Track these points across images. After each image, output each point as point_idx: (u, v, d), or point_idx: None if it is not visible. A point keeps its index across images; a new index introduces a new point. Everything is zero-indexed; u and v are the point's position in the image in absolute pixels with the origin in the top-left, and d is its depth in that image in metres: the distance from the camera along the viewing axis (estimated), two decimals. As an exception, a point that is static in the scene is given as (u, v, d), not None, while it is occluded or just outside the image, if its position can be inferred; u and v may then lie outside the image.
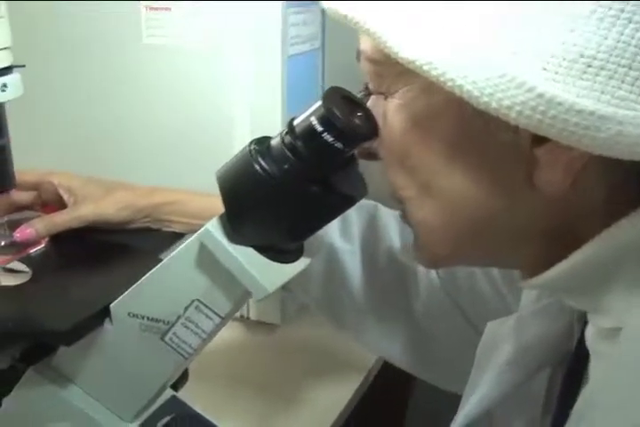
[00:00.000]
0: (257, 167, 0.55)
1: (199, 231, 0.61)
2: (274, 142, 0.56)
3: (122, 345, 0.69)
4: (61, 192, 0.82)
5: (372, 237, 0.82)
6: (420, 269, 0.81)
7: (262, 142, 0.57)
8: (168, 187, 0.84)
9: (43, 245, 0.81)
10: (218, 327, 0.65)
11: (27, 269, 0.76)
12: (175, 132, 0.98)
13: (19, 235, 0.78)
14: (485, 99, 0.42)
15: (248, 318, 1.09)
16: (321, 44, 0.97)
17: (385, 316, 0.82)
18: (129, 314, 0.67)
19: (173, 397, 0.76)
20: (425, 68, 0.43)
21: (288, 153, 0.55)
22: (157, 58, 0.97)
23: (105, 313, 0.68)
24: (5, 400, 0.74)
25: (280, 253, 0.61)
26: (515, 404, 0.64)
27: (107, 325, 0.68)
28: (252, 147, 0.56)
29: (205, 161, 0.97)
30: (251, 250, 0.59)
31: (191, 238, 0.62)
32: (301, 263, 0.63)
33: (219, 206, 0.81)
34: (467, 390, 0.67)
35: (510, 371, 0.62)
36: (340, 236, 0.80)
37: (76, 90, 1.03)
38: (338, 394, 0.97)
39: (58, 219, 0.80)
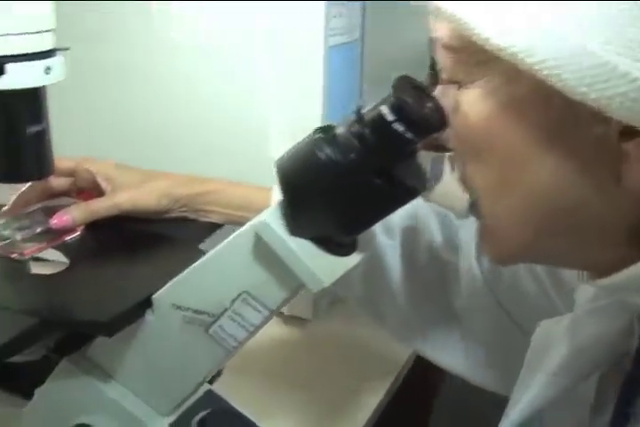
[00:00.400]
0: (322, 155, 0.53)
1: (252, 222, 0.59)
2: (340, 131, 0.54)
3: (163, 337, 0.67)
4: (99, 179, 0.81)
5: (412, 233, 0.81)
6: (462, 265, 0.80)
7: (327, 131, 0.55)
8: (206, 177, 0.82)
9: (78, 233, 0.79)
10: (265, 321, 0.64)
11: (63, 258, 0.74)
12: (213, 122, 0.96)
13: (55, 222, 0.76)
14: (583, 89, 0.41)
15: (280, 312, 1.07)
16: (360, 36, 0.95)
17: (426, 313, 0.81)
18: (172, 305, 0.65)
19: (209, 391, 0.74)
20: (520, 55, 0.42)
21: (355, 142, 0.53)
22: (195, 50, 0.95)
23: (147, 304, 0.66)
24: (38, 391, 0.72)
25: (336, 246, 0.59)
26: (565, 405, 0.63)
27: (148, 316, 0.67)
28: (318, 135, 0.54)
29: (243, 152, 0.96)
30: (307, 242, 0.58)
31: (243, 229, 0.61)
32: (356, 257, 0.61)
33: (258, 197, 0.80)
34: (516, 391, 0.66)
35: (564, 373, 0.60)
36: (382, 230, 0.78)
37: (118, 77, 1.01)
38: (371, 390, 0.95)
39: (95, 206, 0.78)
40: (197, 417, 0.73)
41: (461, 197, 0.56)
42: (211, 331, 0.65)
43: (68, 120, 0.89)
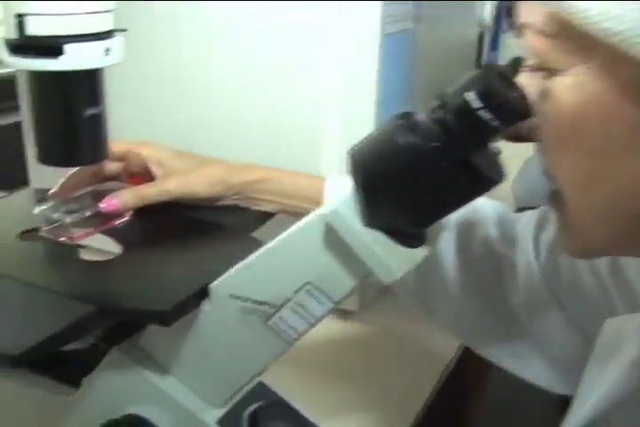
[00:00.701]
0: (402, 142, 0.51)
1: (322, 211, 0.58)
2: (421, 118, 0.53)
3: (219, 328, 0.65)
4: (150, 164, 0.79)
5: (467, 225, 0.79)
6: (519, 260, 0.78)
7: (406, 117, 0.53)
8: (260, 164, 0.80)
9: (127, 218, 0.77)
10: (327, 313, 0.62)
11: (114, 244, 0.73)
12: (267, 110, 0.94)
13: (104, 205, 0.75)
14: None
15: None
16: (413, 25, 0.93)
17: (479, 307, 0.79)
18: (231, 295, 0.63)
19: (261, 383, 0.72)
20: (630, 40, 0.40)
21: (437, 129, 0.51)
22: (252, 34, 0.93)
23: (204, 293, 0.64)
24: (86, 380, 0.71)
25: (406, 237, 0.57)
26: (634, 405, 0.61)
27: (205, 306, 0.65)
28: (399, 122, 0.52)
29: (295, 141, 0.94)
30: (380, 233, 0.56)
31: (311, 218, 0.59)
32: (424, 250, 0.59)
33: (312, 186, 0.78)
34: (581, 390, 0.64)
35: (635, 373, 0.59)
36: None
37: (175, 61, 0.99)
38: (419, 383, 0.93)
39: (146, 191, 0.76)
40: (249, 410, 0.71)
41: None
42: (270, 322, 0.63)
43: (122, 103, 0.88)
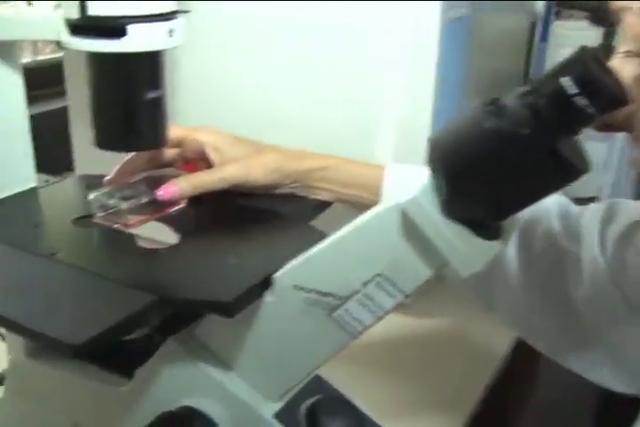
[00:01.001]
0: (490, 128, 0.49)
1: (398, 200, 0.55)
2: (509, 103, 0.50)
3: (281, 319, 0.64)
4: (207, 150, 0.76)
5: (530, 219, 0.77)
6: (584, 255, 0.75)
7: (493, 103, 0.51)
8: (318, 152, 0.78)
9: (182, 206, 0.75)
10: (396, 306, 0.60)
11: (170, 232, 0.71)
12: (321, 95, 0.92)
13: (161, 193, 0.72)
14: None
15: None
16: (469, 12, 0.90)
17: (540, 303, 0.77)
18: (295, 286, 0.61)
19: (317, 377, 0.70)
20: None
21: (527, 115, 0.49)
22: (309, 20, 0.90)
23: (266, 284, 0.62)
24: (139, 371, 0.69)
25: (485, 229, 0.55)
26: None
27: (267, 297, 0.63)
28: (486, 107, 0.50)
29: (350, 129, 0.92)
30: (458, 224, 0.54)
31: (385, 207, 0.57)
32: (501, 242, 0.57)
33: (372, 175, 0.76)
34: None
35: None
36: None
37: (239, 45, 0.96)
38: (471, 381, 0.91)
39: (203, 179, 0.74)
40: (306, 404, 0.69)
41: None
42: (335, 314, 0.61)
43: (180, 87, 0.86)
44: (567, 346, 0.77)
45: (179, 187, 0.72)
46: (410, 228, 0.55)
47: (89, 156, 1.02)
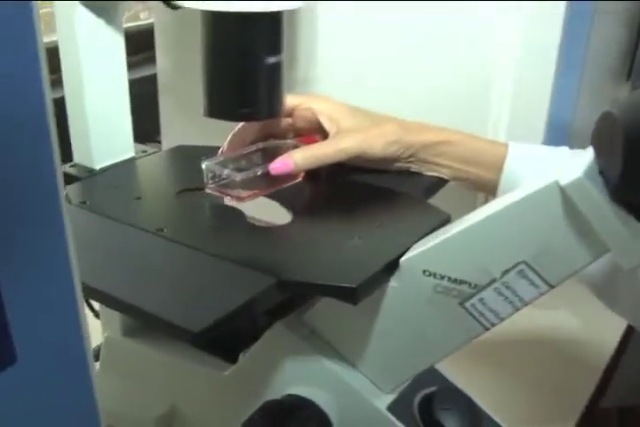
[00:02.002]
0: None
1: (556, 179, 0.50)
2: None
3: (405, 307, 0.59)
4: (322, 120, 0.71)
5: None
6: None
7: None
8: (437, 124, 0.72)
9: (298, 180, 0.70)
10: (538, 297, 0.55)
11: (282, 209, 0.66)
12: (436, 69, 0.86)
13: (277, 166, 0.67)
14: None
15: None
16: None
17: None
18: (424, 272, 0.56)
19: (432, 368, 0.65)
20: None
21: None
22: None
23: (392, 268, 0.57)
24: (244, 356, 0.65)
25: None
26: None
27: (392, 282, 0.58)
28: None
29: (465, 103, 0.86)
30: (625, 211, 0.48)
31: (539, 188, 0.51)
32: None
33: (493, 152, 0.71)
34: None
35: None
36: None
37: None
38: (582, 379, 0.86)
39: (320, 151, 0.68)
40: (420, 395, 0.65)
41: None
42: (467, 304, 0.56)
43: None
44: None
45: (293, 160, 0.67)
46: (569, 210, 0.49)
47: (176, 126, 0.98)
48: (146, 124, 0.96)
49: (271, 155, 0.68)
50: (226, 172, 0.66)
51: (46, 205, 0.29)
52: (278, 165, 0.67)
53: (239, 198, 0.66)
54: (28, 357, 0.30)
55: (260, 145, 0.71)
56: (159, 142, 1.03)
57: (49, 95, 0.27)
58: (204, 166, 0.66)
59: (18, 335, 0.29)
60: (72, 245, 0.30)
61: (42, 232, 0.29)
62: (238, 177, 0.65)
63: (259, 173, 0.66)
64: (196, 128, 0.87)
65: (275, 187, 0.68)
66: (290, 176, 0.69)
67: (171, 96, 0.95)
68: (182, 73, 0.91)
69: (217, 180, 0.67)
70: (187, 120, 0.94)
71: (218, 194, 0.67)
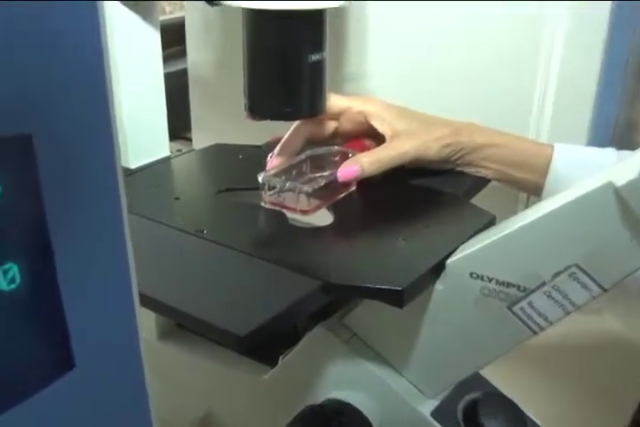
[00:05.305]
0: None
1: (611, 180, 0.48)
2: None
3: (450, 310, 0.57)
4: (375, 124, 0.69)
5: None
6: None
7: None
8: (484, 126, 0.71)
9: (353, 188, 0.68)
10: (590, 301, 0.53)
11: (325, 210, 0.65)
12: (477, 65, 0.85)
13: (343, 172, 0.65)
14: None
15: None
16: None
17: None
18: (471, 274, 0.55)
19: (476, 373, 0.64)
20: None
21: None
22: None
23: (438, 270, 0.56)
24: (284, 359, 0.64)
25: None
26: None
27: (438, 284, 0.57)
28: None
29: (506, 103, 0.85)
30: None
31: (593, 188, 0.49)
32: None
33: (538, 155, 0.69)
34: None
35: None
36: None
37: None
38: (631, 384, 0.84)
39: (383, 155, 0.66)
40: (464, 401, 0.63)
41: None
42: (515, 308, 0.54)
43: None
44: None
45: (360, 165, 0.65)
46: (623, 212, 0.48)
47: (205, 120, 0.97)
48: (173, 120, 0.95)
49: (319, 163, 0.67)
50: (288, 184, 0.63)
51: (110, 213, 0.28)
52: (346, 170, 0.65)
53: (304, 212, 0.63)
54: (84, 363, 0.29)
55: (308, 153, 0.69)
56: (187, 139, 1.02)
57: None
58: (260, 179, 0.64)
59: (75, 341, 0.28)
60: (131, 252, 0.29)
61: (101, 238, 0.28)
62: (305, 188, 0.62)
63: (322, 184, 0.64)
64: (228, 125, 0.85)
65: (335, 197, 0.66)
66: (347, 185, 0.67)
67: (202, 93, 0.94)
68: (214, 69, 0.90)
69: (274, 192, 0.64)
70: (218, 117, 0.93)
71: (277, 208, 0.64)
